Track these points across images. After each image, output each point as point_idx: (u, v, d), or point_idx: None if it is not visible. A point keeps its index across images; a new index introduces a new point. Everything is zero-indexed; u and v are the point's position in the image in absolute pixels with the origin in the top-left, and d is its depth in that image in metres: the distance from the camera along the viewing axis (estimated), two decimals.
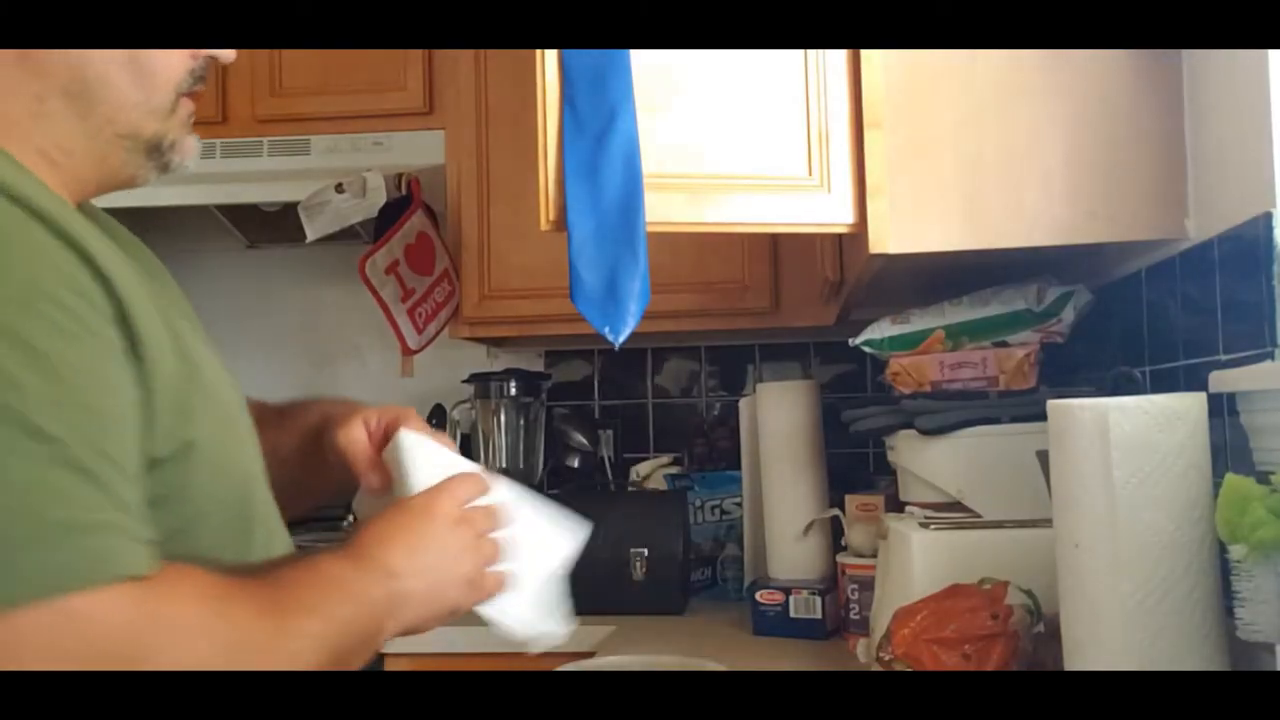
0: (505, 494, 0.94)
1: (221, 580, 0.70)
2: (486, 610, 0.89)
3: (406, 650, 1.93)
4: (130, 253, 0.88)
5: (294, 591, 0.74)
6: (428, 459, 0.91)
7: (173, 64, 0.79)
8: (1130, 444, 0.91)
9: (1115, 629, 0.92)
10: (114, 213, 0.90)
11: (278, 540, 0.87)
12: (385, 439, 0.93)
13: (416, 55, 2.30)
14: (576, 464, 2.38)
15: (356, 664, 0.76)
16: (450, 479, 0.88)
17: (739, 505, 2.11)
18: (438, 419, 2.42)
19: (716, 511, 2.24)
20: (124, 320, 0.69)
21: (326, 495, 1.02)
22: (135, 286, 0.71)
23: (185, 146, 0.82)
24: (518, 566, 0.92)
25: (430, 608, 0.83)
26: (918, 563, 1.25)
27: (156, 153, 0.80)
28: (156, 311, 0.73)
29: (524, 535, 0.94)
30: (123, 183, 0.82)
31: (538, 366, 2.59)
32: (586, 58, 1.21)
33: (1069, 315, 1.47)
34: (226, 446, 0.79)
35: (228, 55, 0.83)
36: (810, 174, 1.28)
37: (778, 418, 1.86)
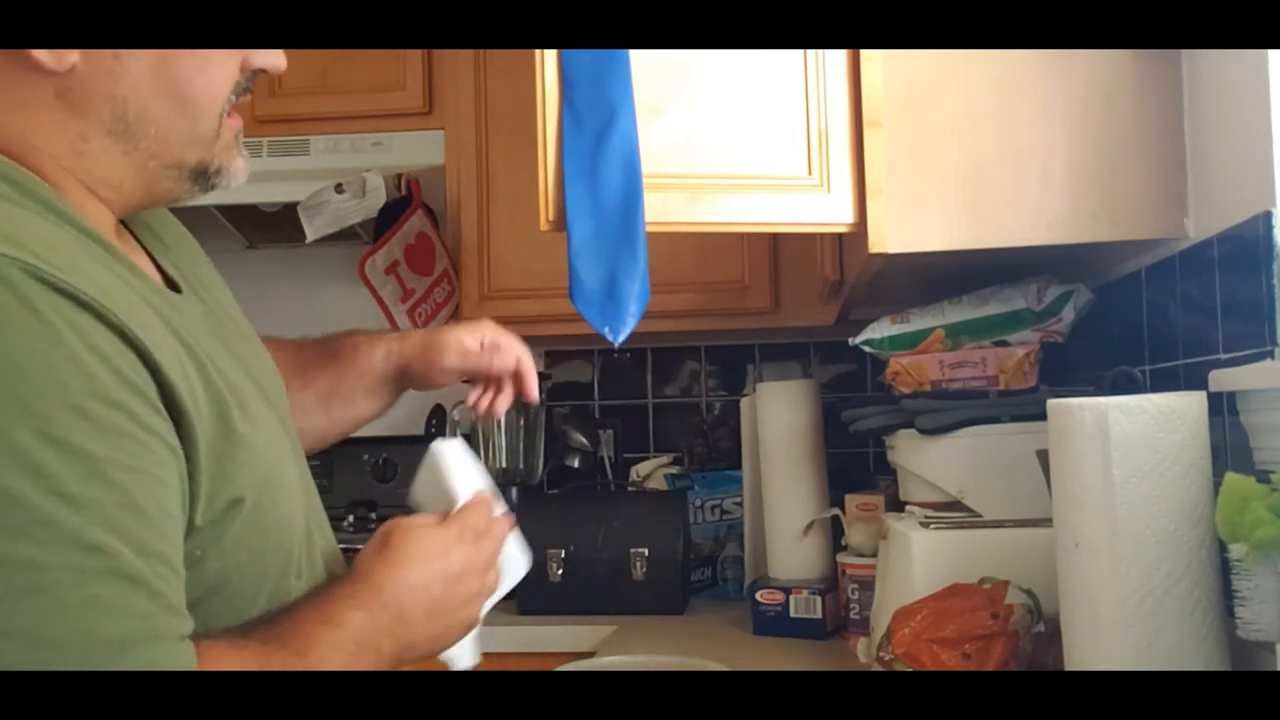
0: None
1: (250, 657, 0.71)
2: (448, 653, 0.90)
3: None
4: (179, 252, 0.89)
5: (317, 654, 0.75)
6: (463, 472, 0.92)
7: (215, 88, 0.78)
8: (1130, 443, 0.91)
9: (1115, 628, 0.92)
10: None
11: (320, 566, 0.86)
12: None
13: (416, 55, 2.29)
14: (576, 464, 2.38)
15: None
16: (468, 511, 0.88)
17: (739, 505, 2.11)
18: (437, 419, 2.42)
19: (716, 511, 2.24)
20: (168, 400, 0.68)
21: (376, 417, 1.12)
22: (175, 355, 0.70)
23: (233, 170, 0.81)
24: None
25: (425, 651, 0.85)
26: (918, 562, 1.25)
27: (202, 178, 0.80)
28: (196, 369, 0.72)
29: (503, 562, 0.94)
30: (167, 203, 0.82)
31: (538, 367, 2.59)
32: (586, 58, 1.21)
33: (1069, 314, 1.47)
34: (268, 499, 0.77)
35: (277, 65, 0.81)
36: (810, 174, 1.28)
37: (778, 417, 1.86)
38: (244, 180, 0.83)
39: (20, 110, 0.72)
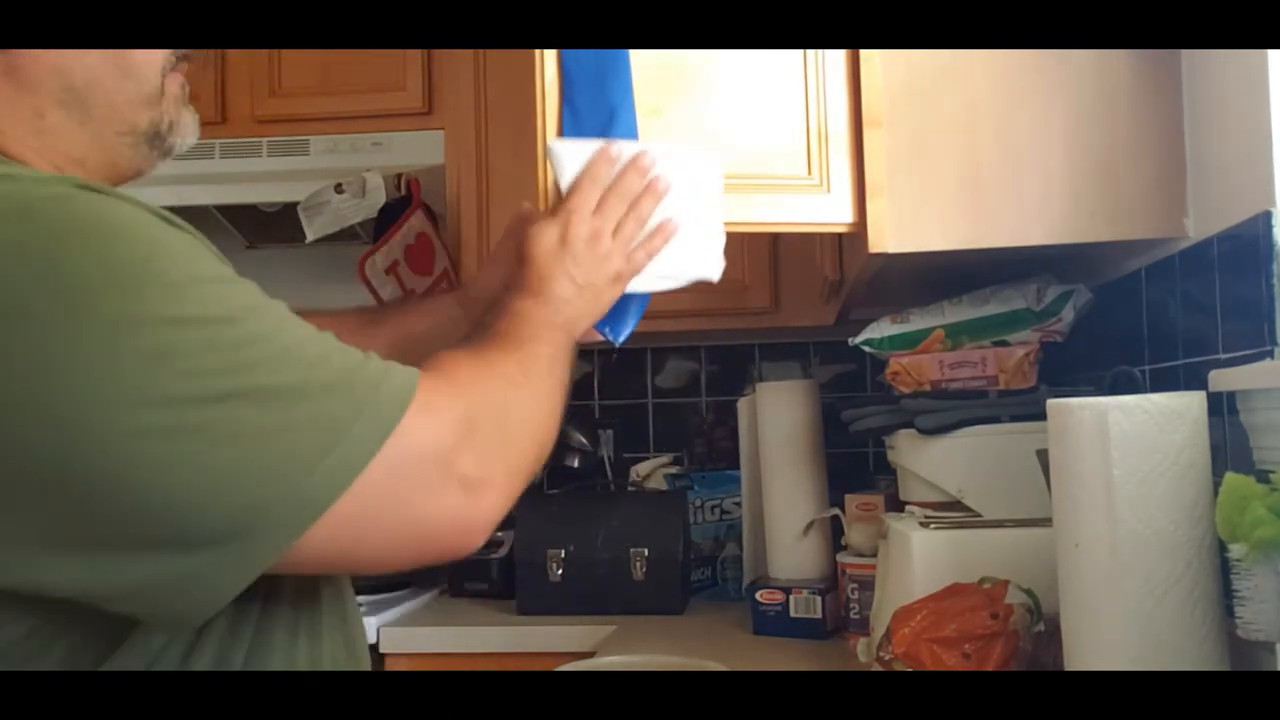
0: (637, 148, 1.06)
1: (463, 349, 0.85)
2: (640, 286, 1.05)
3: (406, 650, 1.93)
4: None
5: (510, 332, 0.90)
6: (574, 162, 1.04)
7: (153, 50, 0.79)
8: (1130, 443, 0.91)
9: (1115, 628, 0.92)
10: None
11: None
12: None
13: (416, 55, 2.29)
14: (576, 464, 2.38)
15: (565, 376, 0.93)
16: (573, 198, 1.02)
17: (739, 505, 2.11)
18: None
19: (716, 511, 2.24)
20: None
21: None
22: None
23: (183, 125, 0.82)
24: (668, 214, 1.05)
25: (595, 313, 1.01)
26: (918, 562, 1.25)
27: (158, 139, 0.81)
28: None
29: (670, 178, 1.05)
30: (130, 177, 0.82)
31: None
32: (587, 57, 1.21)
33: (1069, 314, 1.47)
34: None
35: None
36: (810, 173, 1.28)
37: (778, 417, 1.86)
38: (196, 136, 0.84)
39: None
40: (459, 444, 0.74)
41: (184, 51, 0.81)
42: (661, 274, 1.06)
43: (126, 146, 0.79)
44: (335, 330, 1.04)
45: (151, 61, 0.79)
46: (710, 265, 1.10)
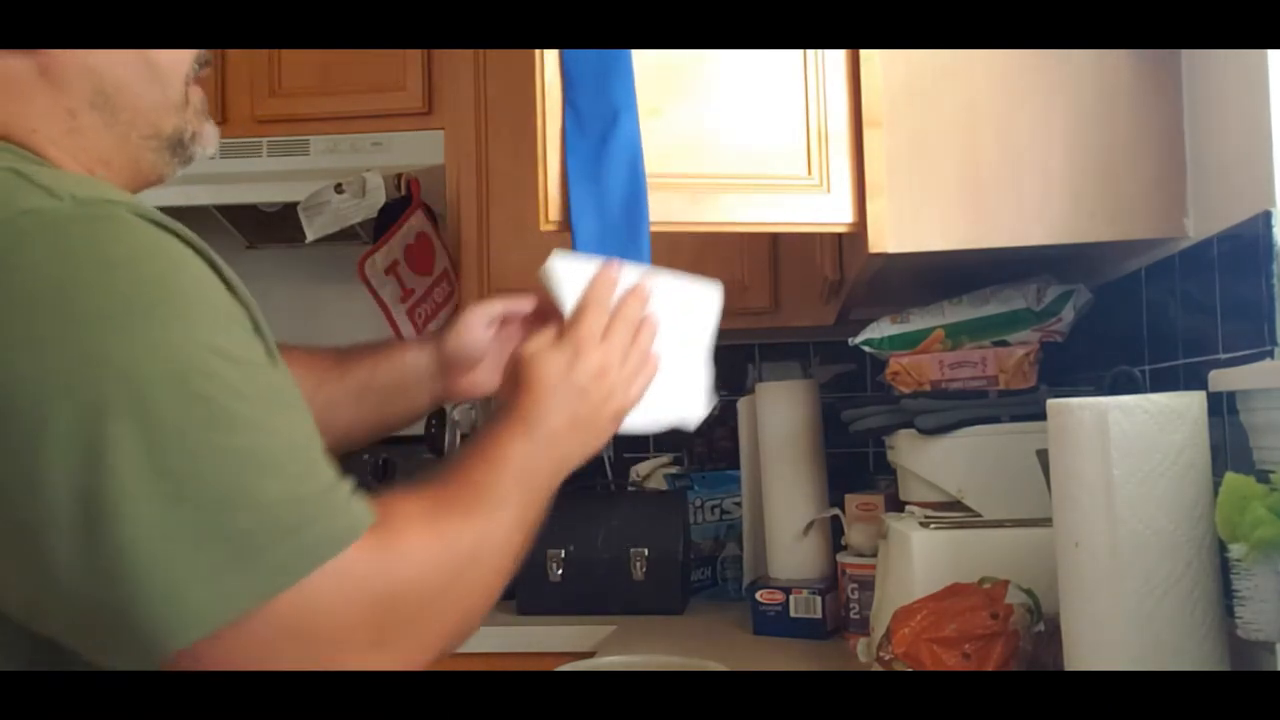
0: (636, 278, 0.99)
1: (427, 501, 0.76)
2: (633, 424, 0.96)
3: None
4: None
5: (486, 488, 0.80)
6: (573, 281, 0.96)
7: (178, 55, 0.80)
8: (1130, 443, 0.91)
9: (1115, 628, 0.92)
10: None
11: None
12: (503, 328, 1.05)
13: (416, 55, 2.29)
14: None
15: (536, 528, 0.85)
16: (580, 321, 0.93)
17: (739, 505, 2.11)
18: (437, 419, 2.42)
19: (716, 511, 2.24)
20: (258, 330, 0.72)
21: (398, 428, 1.11)
22: (249, 297, 0.73)
23: (204, 135, 0.84)
24: (662, 351, 0.97)
25: (587, 452, 0.91)
26: (918, 562, 1.25)
27: (180, 147, 0.82)
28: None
29: (664, 313, 0.98)
30: (152, 182, 0.83)
31: None
32: (588, 58, 1.21)
33: (1068, 314, 1.47)
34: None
35: None
36: (810, 173, 1.28)
37: (777, 417, 1.86)
38: (215, 146, 0.85)
39: (11, 95, 0.74)
40: (359, 626, 0.68)
41: (205, 59, 0.83)
42: (646, 414, 0.97)
43: (150, 151, 0.80)
44: (306, 371, 1.00)
45: (177, 68, 0.80)
46: (694, 407, 1.01)
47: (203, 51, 0.83)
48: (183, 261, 0.67)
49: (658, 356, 0.97)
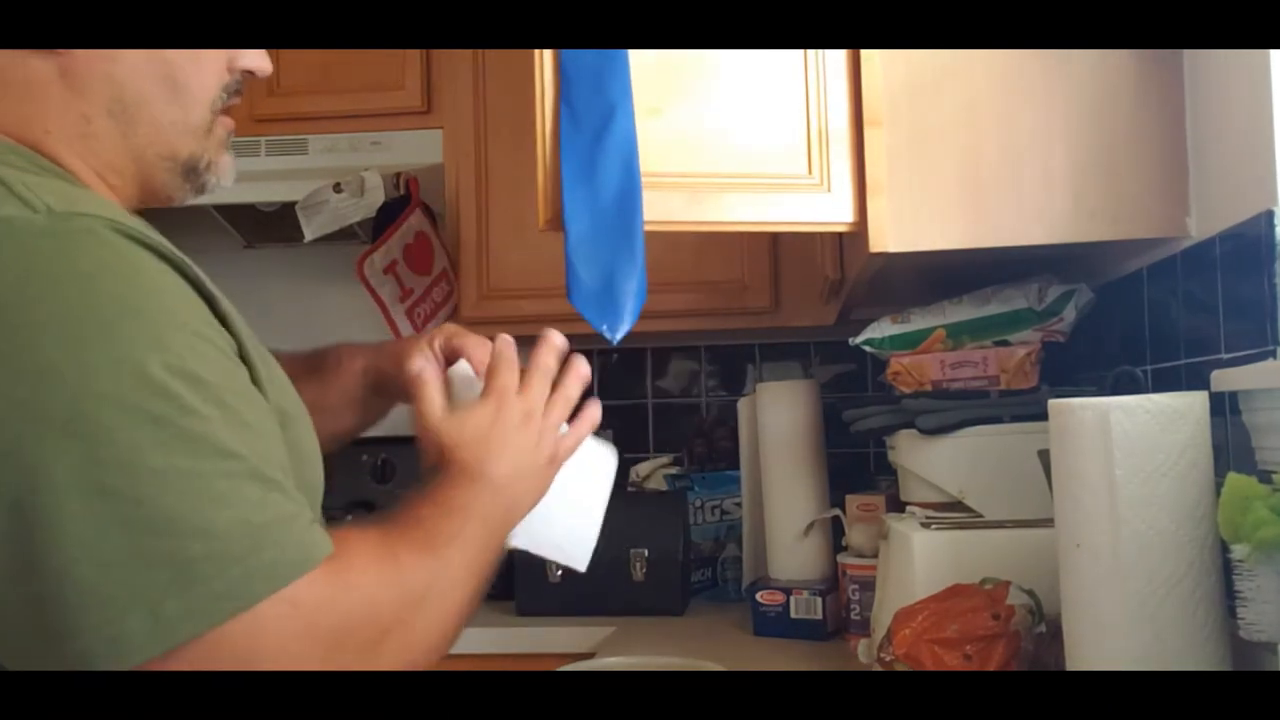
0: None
1: (379, 536, 0.76)
2: (517, 543, 0.94)
3: None
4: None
5: (436, 526, 0.80)
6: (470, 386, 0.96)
7: (207, 80, 0.80)
8: (1132, 443, 0.91)
9: (1117, 629, 0.91)
10: None
11: None
12: (449, 359, 0.99)
13: (414, 55, 2.29)
14: None
15: (489, 575, 0.83)
16: (494, 378, 0.91)
17: (739, 505, 2.11)
18: None
19: (716, 511, 2.24)
20: (240, 350, 0.72)
21: (359, 433, 1.09)
22: (236, 315, 0.73)
23: (221, 166, 0.84)
24: (565, 489, 0.97)
25: (530, 500, 0.91)
26: (919, 563, 1.25)
27: (194, 174, 0.82)
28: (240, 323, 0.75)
29: (569, 464, 0.97)
30: (161, 202, 0.83)
31: None
32: (584, 57, 1.20)
33: (1070, 314, 1.46)
34: (298, 428, 0.81)
35: (263, 68, 0.84)
36: (810, 173, 1.27)
37: (778, 417, 1.86)
38: (232, 180, 0.85)
39: (28, 94, 0.75)
40: (310, 656, 0.67)
41: (234, 88, 0.83)
42: (541, 536, 0.96)
43: (163, 171, 0.80)
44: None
45: (203, 93, 0.80)
46: (582, 555, 1.02)
47: (232, 81, 0.82)
48: (152, 277, 0.66)
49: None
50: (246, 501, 0.65)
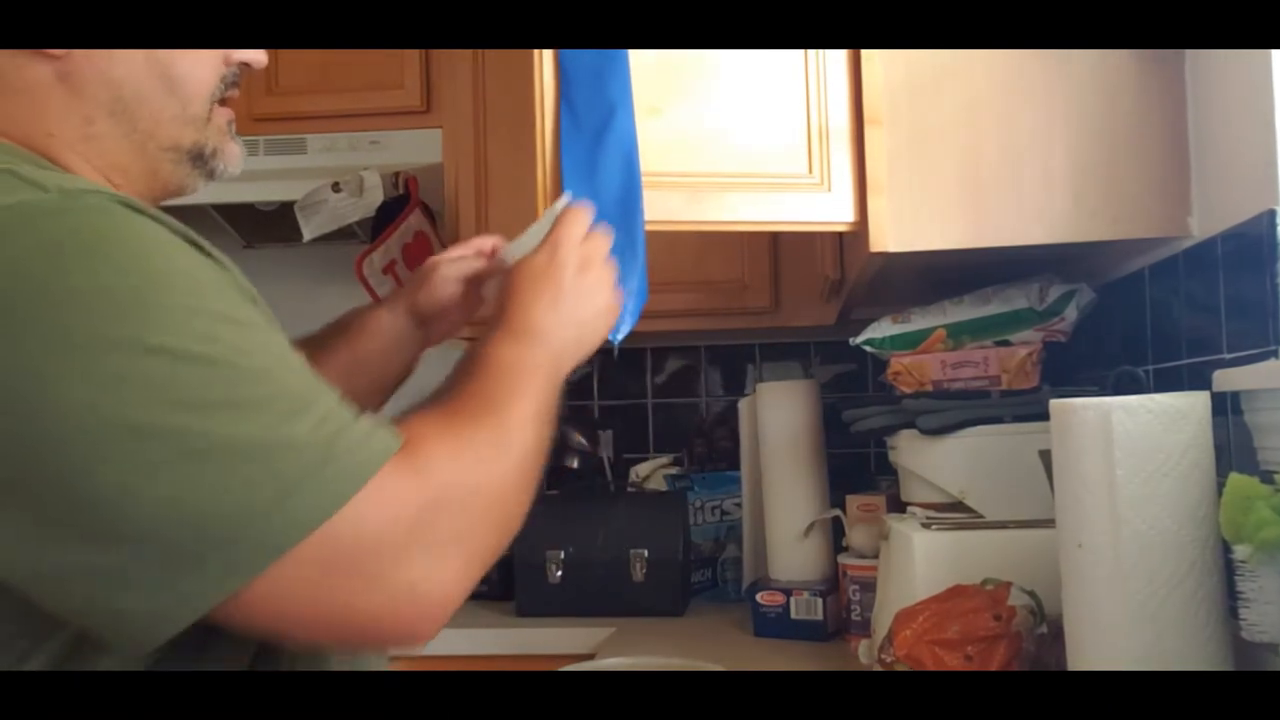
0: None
1: (441, 417, 0.79)
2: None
3: (406, 650, 1.92)
4: None
5: (489, 392, 0.83)
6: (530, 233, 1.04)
7: (203, 73, 0.81)
8: (1133, 443, 0.90)
9: (1119, 629, 0.91)
10: None
11: None
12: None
13: (414, 54, 2.29)
14: (576, 464, 2.37)
15: (549, 431, 0.85)
16: (558, 228, 0.98)
17: (739, 505, 2.11)
18: None
19: (716, 512, 2.24)
20: (255, 302, 0.74)
21: (404, 378, 1.15)
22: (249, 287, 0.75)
23: (228, 153, 0.85)
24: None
25: (583, 349, 0.95)
26: (919, 563, 1.25)
27: (200, 160, 0.83)
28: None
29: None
30: (173, 193, 0.84)
31: None
32: (585, 57, 1.20)
33: (1071, 314, 1.46)
34: None
35: (259, 60, 0.86)
36: (810, 172, 1.27)
37: (778, 418, 1.86)
38: (240, 167, 0.86)
39: (29, 98, 0.75)
40: (410, 540, 0.70)
41: (232, 79, 0.84)
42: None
43: (169, 162, 0.81)
44: (304, 347, 1.04)
45: (201, 87, 0.81)
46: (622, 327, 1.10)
47: (230, 72, 0.84)
48: (170, 243, 0.68)
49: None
50: (316, 415, 0.68)
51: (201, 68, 0.81)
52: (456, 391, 0.83)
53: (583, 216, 1.00)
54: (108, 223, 0.65)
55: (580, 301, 0.94)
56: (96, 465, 0.61)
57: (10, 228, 0.64)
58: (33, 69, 0.75)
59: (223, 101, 0.84)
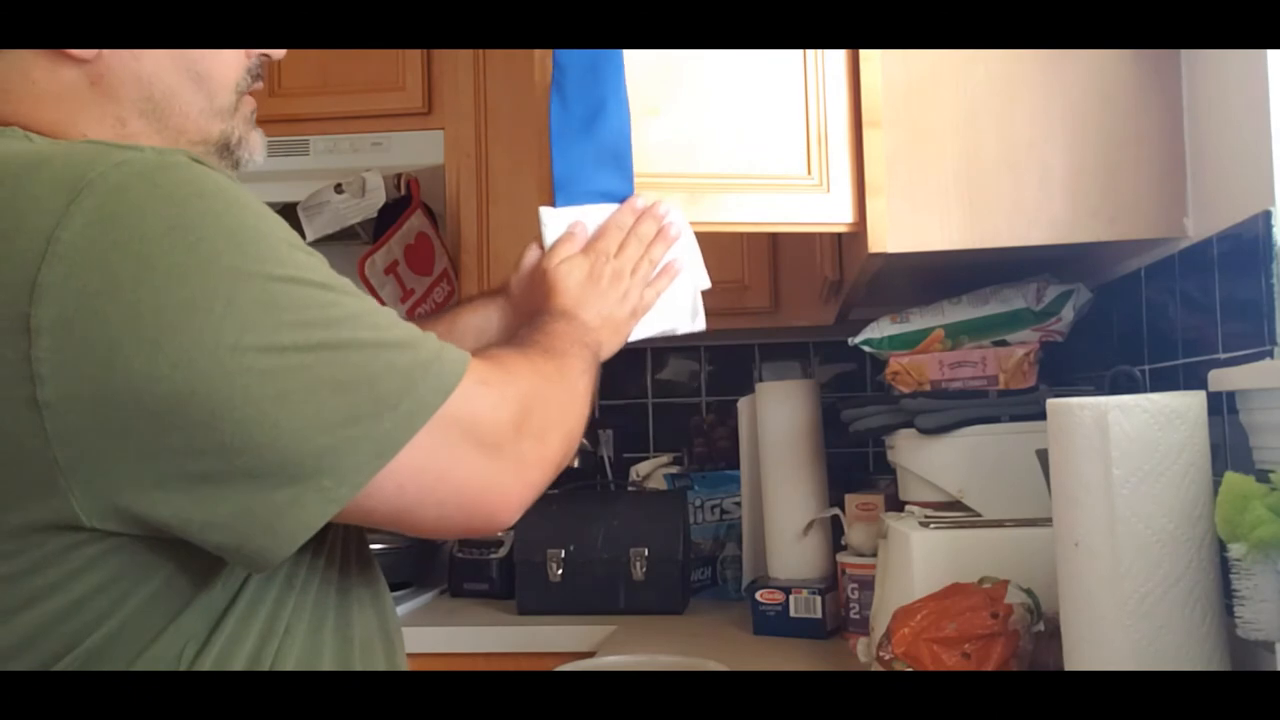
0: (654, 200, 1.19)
1: (508, 347, 0.93)
2: (641, 332, 1.15)
3: (407, 650, 1.93)
4: None
5: (548, 344, 0.96)
6: (556, 227, 1.16)
7: (228, 67, 0.84)
8: (1130, 443, 0.91)
9: (1115, 627, 0.92)
10: None
11: None
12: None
13: (415, 55, 2.29)
14: (576, 464, 2.38)
15: (592, 392, 0.97)
16: (595, 240, 1.14)
17: (739, 504, 2.11)
18: None
19: (716, 511, 2.24)
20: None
21: None
22: None
23: (251, 142, 0.88)
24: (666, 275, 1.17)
25: (615, 343, 1.11)
26: (918, 562, 1.25)
27: (227, 151, 0.86)
28: None
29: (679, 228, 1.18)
30: None
31: None
32: (579, 56, 1.20)
33: (1068, 314, 1.47)
34: None
35: (276, 52, 0.88)
36: (809, 173, 1.28)
37: (778, 417, 1.86)
38: (263, 155, 0.90)
39: (63, 102, 0.77)
40: (512, 419, 0.80)
41: (257, 71, 0.86)
42: (661, 319, 1.17)
43: (199, 153, 0.82)
44: None
45: (226, 79, 0.84)
46: (698, 318, 1.21)
47: (253, 64, 0.86)
48: (247, 192, 0.73)
49: (674, 262, 1.17)
50: (406, 323, 0.77)
51: (225, 62, 0.83)
52: (517, 341, 0.96)
53: (618, 228, 1.14)
54: (206, 173, 0.70)
55: (614, 307, 1.10)
56: (250, 383, 0.66)
57: (129, 181, 0.66)
58: (64, 74, 0.76)
59: (247, 95, 0.86)
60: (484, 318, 1.20)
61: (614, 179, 1.20)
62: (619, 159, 1.20)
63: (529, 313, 1.12)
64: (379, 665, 0.87)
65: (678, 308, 1.19)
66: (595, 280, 1.10)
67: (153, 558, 0.70)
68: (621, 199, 1.19)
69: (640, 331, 1.15)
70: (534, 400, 0.83)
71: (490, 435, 0.78)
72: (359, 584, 0.87)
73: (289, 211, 2.21)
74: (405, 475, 0.72)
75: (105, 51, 0.77)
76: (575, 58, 1.20)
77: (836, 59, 1.28)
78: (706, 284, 1.20)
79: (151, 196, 0.66)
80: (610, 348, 1.10)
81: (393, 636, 0.91)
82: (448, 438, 0.75)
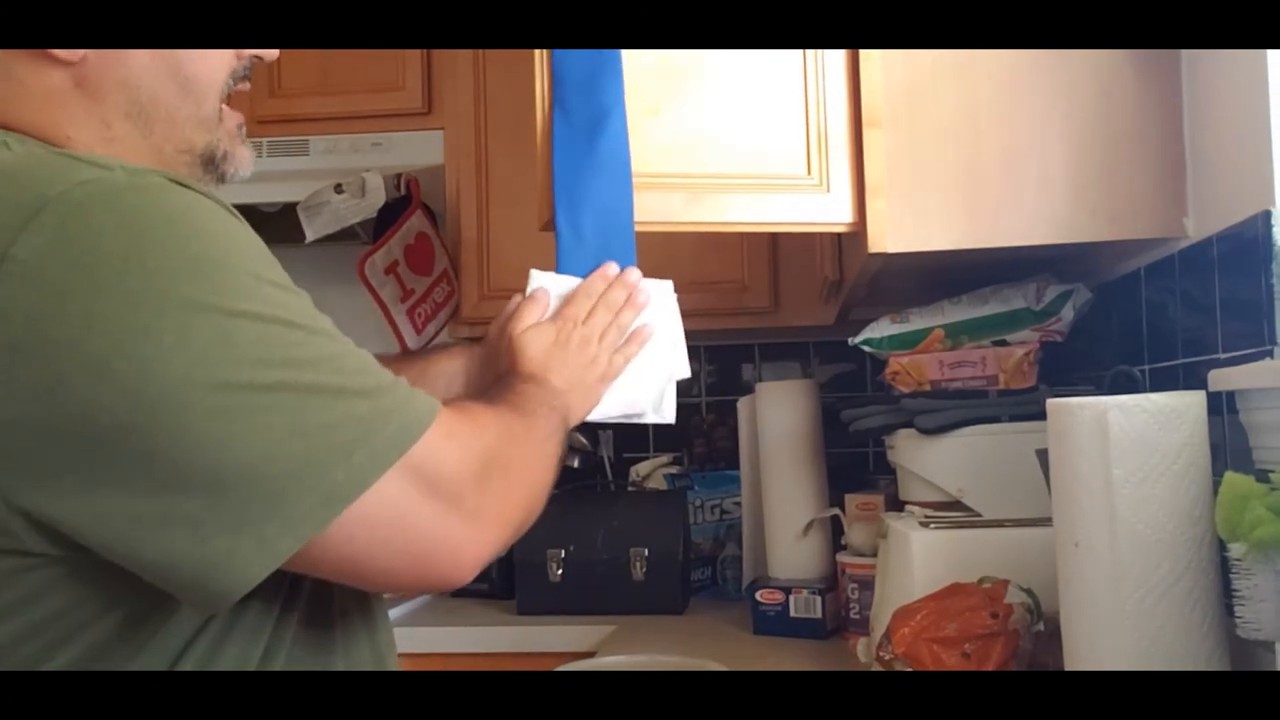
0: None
1: (477, 402, 0.91)
2: (600, 415, 1.13)
3: (406, 650, 1.93)
4: None
5: (517, 403, 0.96)
6: (542, 285, 1.15)
7: (213, 70, 0.83)
8: (1130, 442, 0.91)
9: (1115, 627, 0.92)
10: None
11: None
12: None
13: (415, 55, 2.29)
14: (576, 464, 2.38)
15: (559, 457, 0.96)
16: (564, 307, 1.12)
17: (739, 505, 2.11)
18: None
19: (716, 511, 2.24)
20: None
21: None
22: None
23: (239, 157, 0.86)
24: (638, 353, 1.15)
25: (584, 409, 1.10)
26: (918, 562, 1.25)
27: (212, 164, 0.84)
28: None
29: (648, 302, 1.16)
30: None
31: None
32: (578, 58, 1.20)
33: (1068, 314, 1.47)
34: None
35: (269, 53, 0.87)
36: (809, 173, 1.28)
37: (777, 417, 1.86)
38: (250, 170, 0.88)
39: (48, 104, 0.77)
40: (472, 477, 0.77)
41: (240, 74, 0.85)
42: (623, 403, 1.14)
43: (183, 165, 0.82)
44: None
45: (212, 84, 0.83)
46: (664, 409, 1.17)
47: (241, 66, 0.85)
48: (227, 217, 0.70)
49: (644, 328, 1.14)
50: (377, 369, 0.75)
51: (212, 65, 0.82)
52: (487, 399, 0.94)
53: (588, 294, 1.12)
54: (177, 198, 0.68)
55: (581, 372, 1.08)
56: (194, 421, 0.64)
57: (90, 202, 0.65)
58: (49, 76, 0.76)
59: (231, 98, 0.85)
60: (457, 367, 1.18)
61: (614, 185, 1.19)
62: (620, 165, 1.20)
63: (496, 375, 1.11)
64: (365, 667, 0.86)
65: (645, 392, 1.15)
66: (562, 345, 1.09)
67: (114, 581, 0.67)
68: (621, 204, 1.18)
69: (602, 411, 1.12)
70: (500, 457, 0.81)
71: (450, 488, 0.75)
72: (352, 605, 0.85)
73: (289, 212, 2.21)
74: (355, 524, 0.69)
75: (91, 54, 0.76)
76: (574, 70, 1.19)
77: (836, 59, 1.28)
78: (686, 373, 1.17)
79: (111, 219, 0.65)
80: (579, 413, 1.08)
81: (384, 654, 0.90)
82: (405, 488, 0.72)
